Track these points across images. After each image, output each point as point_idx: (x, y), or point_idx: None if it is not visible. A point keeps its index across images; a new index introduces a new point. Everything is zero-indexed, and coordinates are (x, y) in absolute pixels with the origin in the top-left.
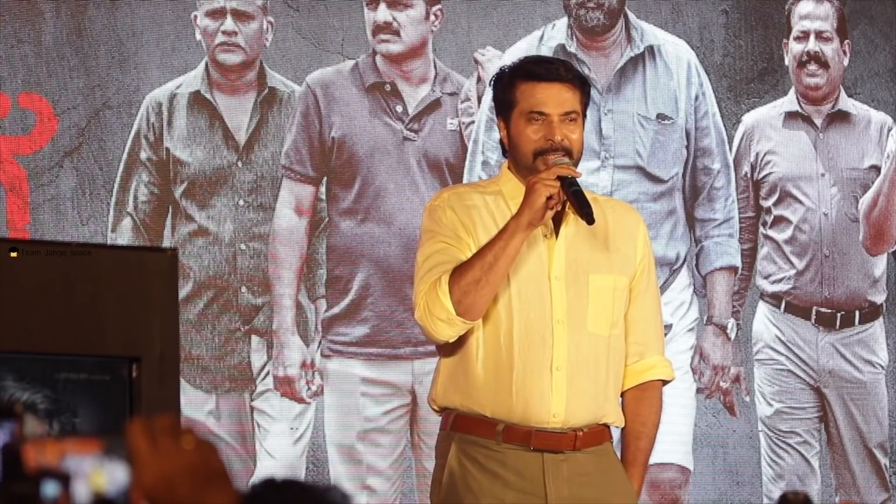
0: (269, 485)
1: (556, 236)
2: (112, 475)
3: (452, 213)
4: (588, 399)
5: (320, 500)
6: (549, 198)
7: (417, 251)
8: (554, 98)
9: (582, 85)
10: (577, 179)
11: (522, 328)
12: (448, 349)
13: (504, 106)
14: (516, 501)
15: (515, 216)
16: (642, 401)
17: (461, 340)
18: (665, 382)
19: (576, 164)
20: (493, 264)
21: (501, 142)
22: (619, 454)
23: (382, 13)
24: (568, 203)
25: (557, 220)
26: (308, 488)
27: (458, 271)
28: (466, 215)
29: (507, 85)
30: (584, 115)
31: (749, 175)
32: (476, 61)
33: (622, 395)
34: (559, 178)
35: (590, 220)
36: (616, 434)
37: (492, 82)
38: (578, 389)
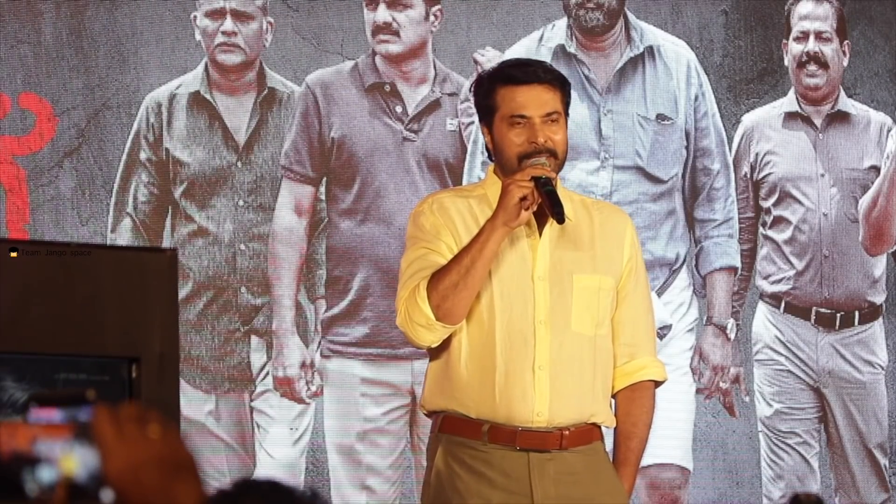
0: (239, 485)
1: (540, 236)
2: (83, 460)
3: (435, 219)
4: (573, 398)
5: (290, 500)
6: (524, 198)
7: (402, 258)
8: (534, 100)
9: (562, 85)
10: (554, 178)
11: (504, 328)
12: (434, 352)
13: (486, 112)
14: (503, 501)
15: (490, 219)
16: (633, 401)
17: (446, 343)
18: (658, 384)
19: (562, 164)
20: (469, 267)
21: (486, 146)
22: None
23: (382, 13)
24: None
25: (541, 221)
26: (279, 488)
27: (436, 276)
28: (449, 220)
29: (488, 90)
30: (567, 115)
31: (749, 175)
32: (476, 62)
33: (614, 396)
34: (533, 178)
35: (560, 219)
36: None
37: (472, 89)
38: (562, 389)
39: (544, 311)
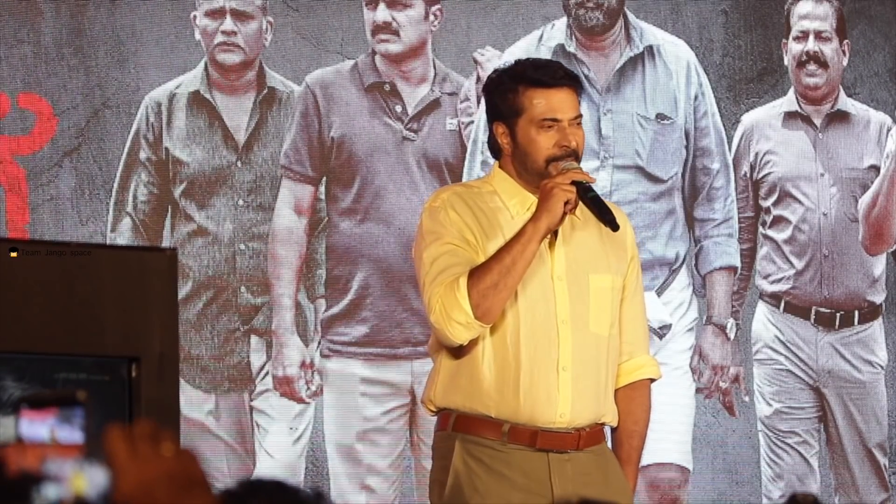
0: (245, 486)
1: (555, 236)
2: (92, 479)
3: (455, 214)
4: (591, 399)
5: (295, 500)
6: (566, 202)
7: (421, 252)
8: (564, 104)
9: (580, 85)
10: (593, 183)
11: (529, 328)
12: (451, 350)
13: (507, 112)
14: (522, 501)
15: (533, 220)
16: (633, 400)
17: None
18: (652, 381)
19: (578, 164)
20: (510, 268)
21: (493, 144)
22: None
23: (382, 13)
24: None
25: None
26: (285, 489)
27: (476, 275)
28: (469, 215)
29: (511, 91)
30: None
31: (748, 175)
32: (475, 61)
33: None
34: (574, 182)
35: (614, 226)
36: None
37: (487, 88)
38: (583, 389)
39: (565, 310)
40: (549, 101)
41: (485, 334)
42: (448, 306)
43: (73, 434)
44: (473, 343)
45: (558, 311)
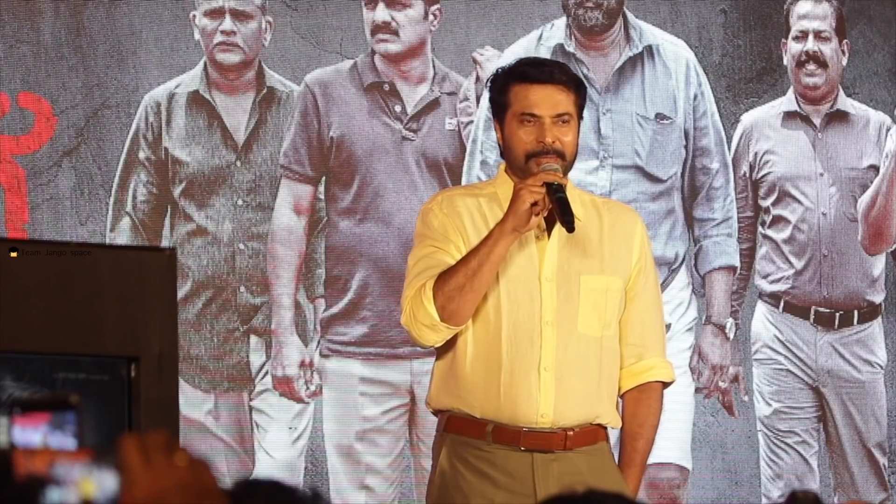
0: (242, 486)
1: (548, 237)
2: (101, 483)
3: (444, 217)
4: (578, 399)
5: (292, 500)
6: (535, 204)
7: (409, 255)
8: (546, 100)
9: (577, 87)
10: (565, 185)
11: (511, 329)
12: (441, 351)
13: (498, 108)
14: (505, 501)
15: (500, 222)
16: (640, 402)
17: (452, 342)
18: (666, 385)
19: (570, 166)
20: (476, 270)
21: (498, 143)
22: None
23: (381, 13)
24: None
25: (551, 222)
26: (282, 488)
27: (443, 277)
28: (458, 219)
29: (502, 87)
30: (580, 117)
31: (748, 175)
32: (475, 61)
33: (621, 396)
34: (545, 184)
35: (570, 227)
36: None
37: (488, 84)
38: (567, 390)
39: (551, 312)
40: (529, 97)
41: (469, 335)
42: (415, 309)
43: (65, 440)
44: (459, 344)
45: (543, 312)
